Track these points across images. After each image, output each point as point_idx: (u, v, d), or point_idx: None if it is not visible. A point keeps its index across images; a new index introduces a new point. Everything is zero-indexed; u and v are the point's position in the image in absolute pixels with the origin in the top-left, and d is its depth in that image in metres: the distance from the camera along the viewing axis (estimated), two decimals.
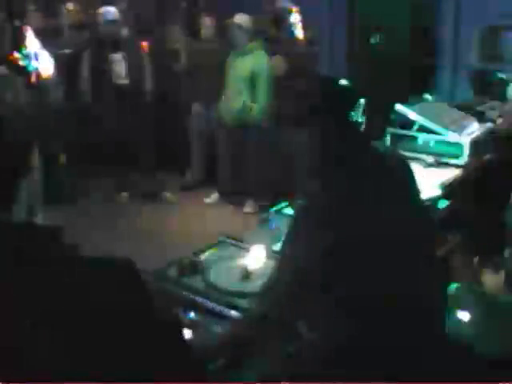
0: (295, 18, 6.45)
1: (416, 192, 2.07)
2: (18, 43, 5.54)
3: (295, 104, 2.06)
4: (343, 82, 2.12)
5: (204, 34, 6.35)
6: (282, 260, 1.99)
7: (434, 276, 2.01)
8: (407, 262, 1.90)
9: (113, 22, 5.99)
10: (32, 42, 5.56)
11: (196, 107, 6.38)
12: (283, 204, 3.30)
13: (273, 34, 6.29)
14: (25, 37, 5.56)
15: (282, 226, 2.95)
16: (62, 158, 6.15)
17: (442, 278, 2.08)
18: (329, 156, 1.98)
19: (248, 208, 5.97)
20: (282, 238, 2.05)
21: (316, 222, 1.88)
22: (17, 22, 5.83)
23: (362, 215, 1.86)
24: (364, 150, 1.99)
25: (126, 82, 5.95)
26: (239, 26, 5.76)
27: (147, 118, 6.20)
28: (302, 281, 1.86)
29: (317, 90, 2.04)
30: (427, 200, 3.31)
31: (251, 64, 5.73)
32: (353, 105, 2.08)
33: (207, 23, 6.33)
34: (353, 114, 2.03)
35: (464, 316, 2.40)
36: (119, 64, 5.94)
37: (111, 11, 6.06)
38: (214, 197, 6.22)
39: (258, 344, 2.00)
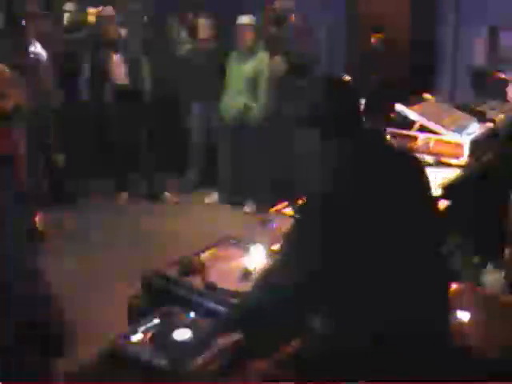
0: (295, 17, 6.46)
1: (423, 190, 2.05)
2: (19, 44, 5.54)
3: (299, 105, 2.06)
4: (345, 80, 2.11)
5: (201, 35, 6.34)
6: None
7: (438, 277, 2.00)
8: (412, 259, 1.89)
9: (111, 21, 6.01)
10: (32, 43, 5.56)
11: (196, 107, 6.38)
12: (283, 204, 3.31)
13: (274, 33, 6.30)
14: (25, 37, 5.56)
15: (282, 225, 2.95)
16: (62, 158, 6.15)
17: (442, 279, 2.07)
18: (333, 157, 1.96)
19: (248, 208, 5.97)
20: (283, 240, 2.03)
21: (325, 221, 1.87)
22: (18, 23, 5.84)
23: (368, 213, 1.85)
24: (370, 148, 1.98)
25: (125, 82, 5.96)
26: (247, 27, 5.77)
27: (147, 118, 6.20)
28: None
29: (320, 90, 2.02)
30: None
31: (254, 65, 5.75)
32: (356, 104, 2.05)
33: (204, 23, 6.32)
34: (357, 112, 2.01)
35: (464, 316, 2.40)
36: (118, 64, 5.95)
37: (109, 11, 6.08)
38: (214, 196, 6.22)
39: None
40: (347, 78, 2.18)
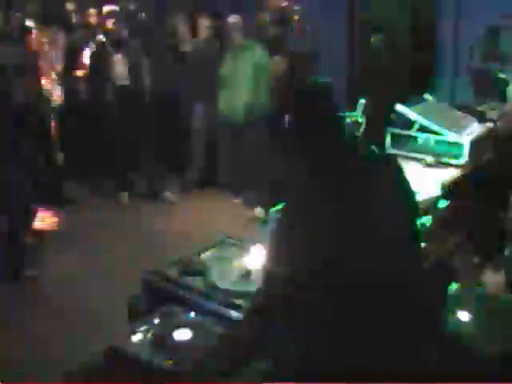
0: (296, 18, 6.47)
1: (402, 193, 2.02)
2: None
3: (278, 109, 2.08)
4: (321, 84, 2.08)
5: (202, 34, 6.35)
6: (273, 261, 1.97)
7: (421, 274, 2.00)
8: (393, 259, 1.88)
9: (114, 21, 6.03)
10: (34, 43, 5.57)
11: (196, 106, 6.38)
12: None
13: (276, 33, 6.30)
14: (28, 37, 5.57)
15: None
16: (62, 158, 6.16)
17: (442, 279, 2.07)
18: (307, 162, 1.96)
19: (248, 207, 5.97)
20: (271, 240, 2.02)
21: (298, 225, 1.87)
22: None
23: (346, 217, 1.84)
24: (346, 152, 1.96)
25: (126, 82, 5.97)
26: (235, 25, 5.79)
27: (148, 117, 6.20)
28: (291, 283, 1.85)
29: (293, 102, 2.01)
30: (427, 200, 3.32)
31: (252, 60, 5.74)
32: (331, 107, 2.01)
33: (205, 23, 6.34)
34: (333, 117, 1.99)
35: (464, 316, 2.40)
36: (120, 64, 5.96)
37: (111, 10, 6.09)
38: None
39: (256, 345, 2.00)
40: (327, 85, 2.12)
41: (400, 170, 2.01)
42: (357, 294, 1.80)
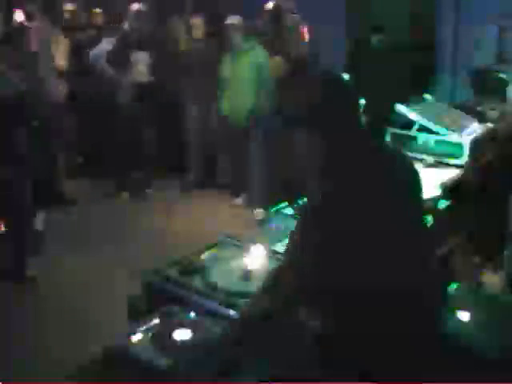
0: (295, 17, 6.46)
1: (417, 193, 2.05)
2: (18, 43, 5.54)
3: (296, 105, 2.04)
4: (344, 79, 2.09)
5: (202, 35, 6.36)
6: (288, 262, 1.97)
7: (433, 276, 2.00)
8: (405, 260, 1.89)
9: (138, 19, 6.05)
10: (32, 42, 5.56)
11: (196, 107, 6.38)
12: (283, 204, 3.31)
13: (273, 33, 6.29)
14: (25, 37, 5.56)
15: (282, 225, 2.96)
16: (62, 158, 6.16)
17: (442, 279, 2.07)
18: (330, 157, 1.96)
19: (247, 207, 5.97)
20: (287, 240, 2.02)
21: (316, 223, 1.87)
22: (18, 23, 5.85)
23: (363, 215, 1.84)
24: (365, 150, 1.97)
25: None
26: (234, 27, 5.79)
27: (148, 117, 6.21)
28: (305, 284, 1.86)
29: (318, 89, 2.02)
30: (427, 200, 3.31)
31: (253, 61, 5.73)
32: (354, 104, 2.04)
33: (198, 23, 6.34)
34: (354, 113, 2.01)
35: (464, 316, 2.40)
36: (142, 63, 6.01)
37: (138, 9, 6.10)
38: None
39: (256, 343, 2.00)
40: (346, 76, 2.13)
41: (414, 170, 2.04)
42: (358, 292, 1.81)
